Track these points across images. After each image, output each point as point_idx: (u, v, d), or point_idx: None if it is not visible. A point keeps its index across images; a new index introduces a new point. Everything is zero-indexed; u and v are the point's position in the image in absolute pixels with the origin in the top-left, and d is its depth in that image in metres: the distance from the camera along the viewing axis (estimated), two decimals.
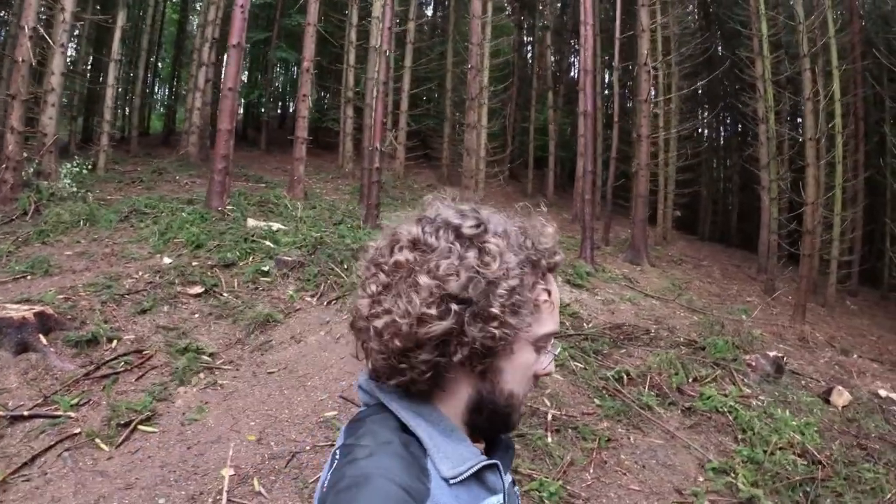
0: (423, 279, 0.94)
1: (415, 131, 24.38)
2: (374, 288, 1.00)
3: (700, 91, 26.95)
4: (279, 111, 33.52)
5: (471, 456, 0.99)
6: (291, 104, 32.07)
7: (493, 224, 1.01)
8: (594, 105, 14.47)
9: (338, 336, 7.09)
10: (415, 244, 0.98)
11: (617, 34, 17.84)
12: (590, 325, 8.72)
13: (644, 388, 6.70)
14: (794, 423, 6.41)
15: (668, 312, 10.83)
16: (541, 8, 27.97)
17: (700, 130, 29.56)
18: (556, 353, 1.12)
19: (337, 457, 0.95)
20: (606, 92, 26.03)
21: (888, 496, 5.45)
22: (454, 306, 0.94)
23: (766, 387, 7.66)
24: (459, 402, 1.04)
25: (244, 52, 14.75)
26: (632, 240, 15.38)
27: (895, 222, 17.08)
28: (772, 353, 8.41)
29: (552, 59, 29.22)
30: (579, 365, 7.00)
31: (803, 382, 8.37)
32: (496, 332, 0.95)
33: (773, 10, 16.90)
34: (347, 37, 21.21)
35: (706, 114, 29.05)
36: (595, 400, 6.26)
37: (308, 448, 4.81)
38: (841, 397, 7.72)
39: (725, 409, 6.43)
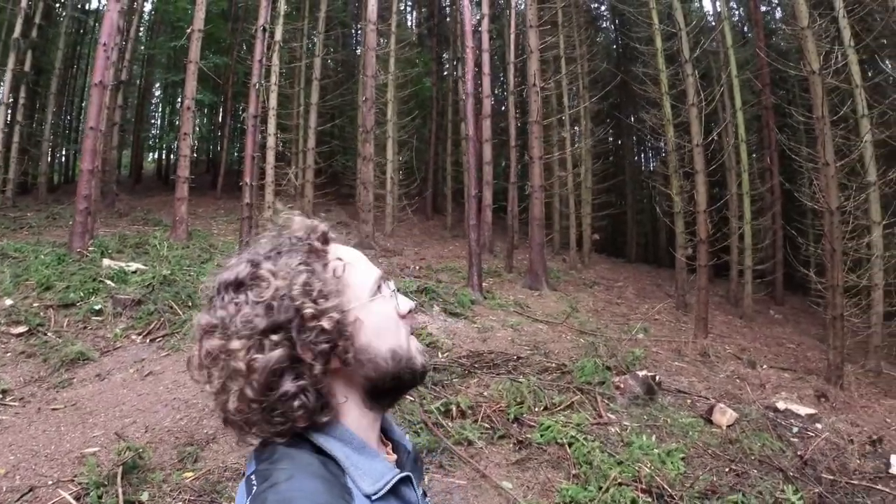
0: (235, 343, 0.95)
1: (325, 168, 23.83)
2: (212, 386, 1.00)
3: (616, 112, 27.10)
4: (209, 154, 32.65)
5: (386, 471, 1.00)
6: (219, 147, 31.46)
7: (262, 252, 1.03)
8: (477, 129, 14.03)
9: (147, 373, 6.89)
10: (211, 327, 0.99)
11: (512, 58, 17.56)
12: (444, 355, 7.97)
13: (475, 420, 5.94)
14: (656, 450, 5.72)
15: (552, 336, 10.24)
16: (452, 40, 27.83)
17: (618, 151, 29.66)
18: (393, 287, 1.12)
19: (254, 483, 0.93)
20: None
21: None
22: (273, 337, 0.95)
23: (635, 410, 7.02)
24: (357, 400, 1.04)
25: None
26: (530, 265, 14.85)
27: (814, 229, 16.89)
28: (641, 373, 7.80)
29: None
30: (409, 398, 6.22)
31: (689, 402, 7.77)
32: (325, 324, 0.96)
33: (669, 22, 16.88)
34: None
35: (610, 133, 29.10)
36: (407, 436, 5.49)
37: (50, 483, 4.60)
38: (724, 416, 7.03)
39: (565, 441, 5.70)
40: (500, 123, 24.27)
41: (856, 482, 5.57)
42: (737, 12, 26.60)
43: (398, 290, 1.14)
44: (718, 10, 20.31)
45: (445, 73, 30.42)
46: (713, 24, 21.31)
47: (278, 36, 18.09)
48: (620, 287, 18.11)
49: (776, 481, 5.39)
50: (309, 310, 0.95)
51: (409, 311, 1.11)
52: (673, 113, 15.62)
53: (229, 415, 0.99)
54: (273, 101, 18.27)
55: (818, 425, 7.10)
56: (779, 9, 26.02)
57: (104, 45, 11.57)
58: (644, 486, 5.07)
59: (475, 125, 13.65)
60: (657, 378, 7.85)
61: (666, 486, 5.05)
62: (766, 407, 7.69)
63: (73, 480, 4.61)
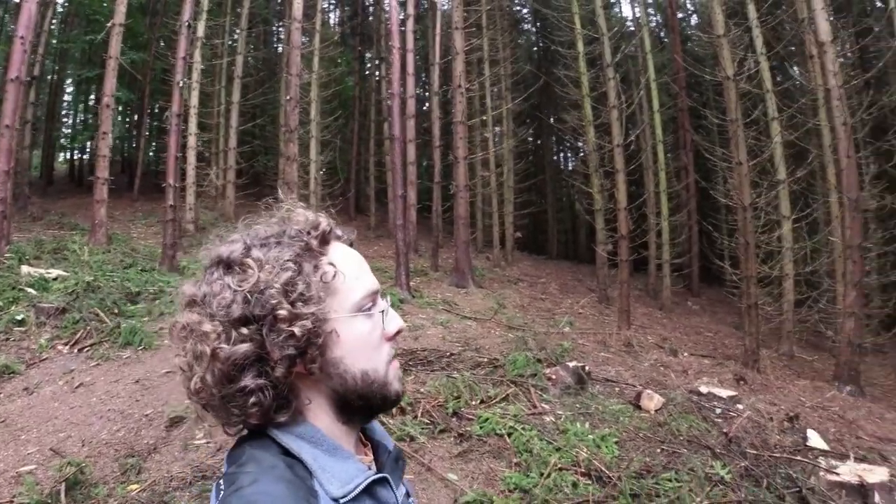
0: (206, 326, 0.94)
1: (247, 169, 23.28)
2: (181, 359, 0.99)
3: (537, 112, 27.56)
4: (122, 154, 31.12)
5: (357, 473, 0.98)
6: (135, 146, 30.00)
7: (259, 236, 1.01)
8: (402, 129, 14.09)
9: (77, 385, 6.60)
10: (193, 300, 0.98)
11: (437, 59, 17.67)
12: None
13: (415, 416, 6.02)
14: (590, 436, 5.97)
15: (481, 332, 10.42)
16: (376, 39, 27.73)
17: (539, 151, 30.22)
18: (387, 304, 1.08)
19: (221, 487, 0.92)
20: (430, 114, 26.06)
21: None
22: (243, 330, 0.93)
23: (567, 399, 7.25)
24: (324, 408, 1.02)
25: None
26: (455, 263, 15.02)
27: (728, 223, 17.71)
28: (572, 363, 8.05)
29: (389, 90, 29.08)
30: None
31: (617, 389, 8.07)
32: (296, 329, 0.93)
33: (591, 27, 17.35)
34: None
35: (535, 133, 29.71)
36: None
37: None
38: (651, 401, 7.38)
39: (504, 432, 5.85)
40: (423, 124, 24.40)
41: (777, 455, 5.97)
42: (654, 19, 27.54)
43: (388, 309, 1.08)
44: (637, 16, 21.02)
45: (367, 72, 30.31)
46: (632, 29, 22.11)
47: (200, 32, 17.63)
48: (544, 283, 18.51)
49: (705, 458, 5.71)
50: (283, 311, 0.93)
51: (397, 333, 1.08)
52: (593, 114, 16.10)
53: (190, 394, 0.99)
54: (194, 100, 17.77)
55: (739, 406, 7.52)
56: (694, 16, 27.25)
57: (21, 38, 10.96)
58: (583, 470, 5.27)
59: (401, 125, 13.69)
60: (587, 368, 8.13)
61: (604, 469, 5.27)
62: (689, 391, 8.08)
63: (11, 502, 4.44)
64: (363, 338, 1.01)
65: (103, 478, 4.77)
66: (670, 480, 5.22)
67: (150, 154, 26.42)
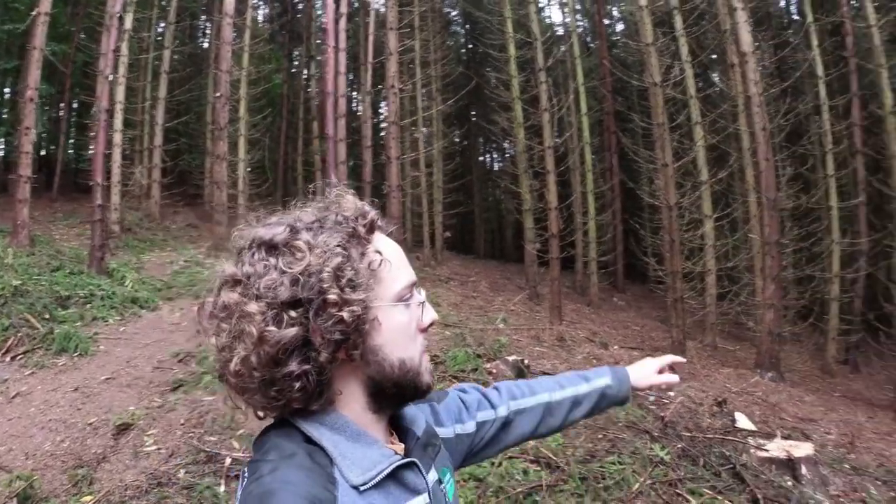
0: (251, 307, 0.94)
1: (172, 167, 22.56)
2: (219, 340, 0.99)
3: (468, 113, 27.83)
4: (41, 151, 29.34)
5: (381, 459, 0.99)
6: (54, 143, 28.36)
7: (304, 220, 1.01)
8: (335, 128, 14.03)
9: (13, 395, 6.31)
10: (235, 280, 0.98)
11: (370, 58, 17.64)
12: None
13: None
14: None
15: None
16: (305, 37, 27.34)
17: (467, 152, 30.51)
18: (423, 298, 1.10)
19: (245, 475, 0.94)
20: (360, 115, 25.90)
21: (634, 487, 5.27)
22: (291, 313, 0.93)
23: None
24: (357, 395, 1.03)
25: None
26: None
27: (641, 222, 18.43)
28: (512, 357, 8.26)
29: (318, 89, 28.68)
30: None
31: None
32: (344, 314, 0.94)
33: (523, 31, 17.67)
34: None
35: (464, 134, 29.96)
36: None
37: None
38: None
39: None
40: (352, 123, 24.26)
41: (710, 436, 6.42)
42: (581, 24, 28.24)
43: (425, 301, 1.11)
44: (566, 21, 21.51)
45: (295, 70, 29.89)
46: (560, 34, 22.67)
47: (128, 24, 17.01)
48: (474, 282, 18.69)
49: (644, 441, 6.07)
50: (333, 296, 0.94)
51: (430, 325, 1.11)
52: (523, 116, 16.44)
53: (228, 374, 0.99)
54: (120, 95, 17.14)
55: (671, 393, 7.94)
56: (620, 23, 28.08)
57: None
58: (532, 458, 5.52)
59: (335, 124, 13.64)
60: (526, 362, 8.37)
61: (552, 456, 5.52)
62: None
63: None
64: (402, 327, 1.04)
65: (53, 491, 4.64)
66: (614, 463, 5.51)
67: (71, 151, 25.19)
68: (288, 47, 28.89)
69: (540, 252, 16.80)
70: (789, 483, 5.44)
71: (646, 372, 1.72)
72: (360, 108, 23.29)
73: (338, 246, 0.98)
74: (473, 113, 29.43)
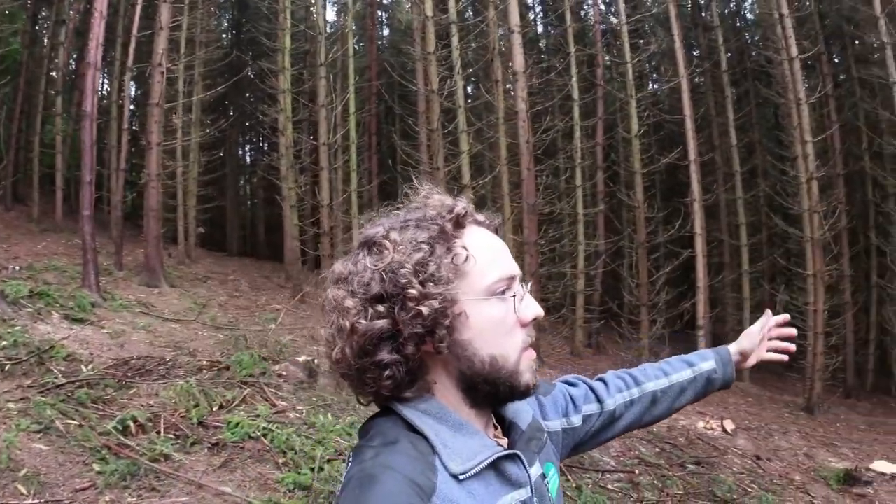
0: (348, 302, 0.99)
1: None
2: (327, 331, 1.05)
3: (226, 102, 26.43)
4: None
5: (482, 449, 1.00)
6: None
7: (400, 220, 1.05)
8: (93, 106, 12.40)
9: None
10: (339, 278, 1.04)
11: (134, 31, 15.81)
12: (89, 368, 7.01)
13: (158, 432, 5.44)
14: (337, 426, 6.09)
15: (189, 335, 9.78)
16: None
17: (224, 143, 29.04)
18: (525, 292, 1.07)
19: (350, 459, 0.99)
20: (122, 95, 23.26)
21: None
22: (378, 307, 0.97)
23: (303, 394, 7.30)
24: (452, 388, 1.04)
25: None
26: (146, 260, 13.73)
27: None
28: (301, 358, 8.08)
29: (68, 60, 24.88)
30: (73, 422, 5.38)
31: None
32: (424, 308, 0.96)
33: (302, 23, 17.16)
34: None
35: (226, 124, 28.67)
36: (94, 466, 4.76)
37: None
38: None
39: (259, 434, 5.62)
40: (102, 101, 21.54)
41: None
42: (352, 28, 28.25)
43: (526, 295, 1.09)
44: (342, 20, 21.35)
45: (38, 35, 25.65)
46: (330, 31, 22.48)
47: None
48: (233, 280, 17.87)
49: None
50: (413, 291, 0.96)
51: (533, 320, 1.07)
52: (293, 111, 16.04)
53: (331, 363, 1.05)
54: None
55: None
56: (387, 28, 28.68)
57: None
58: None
59: (93, 101, 12.03)
60: (316, 362, 8.20)
61: None
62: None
63: None
64: (494, 322, 1.02)
65: None
66: None
67: None
68: (33, 8, 24.71)
69: (307, 250, 16.56)
70: None
71: (750, 344, 1.59)
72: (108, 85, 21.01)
73: (422, 242, 1.00)
74: (234, 102, 27.95)
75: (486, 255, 1.04)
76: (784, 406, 13.60)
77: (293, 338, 11.04)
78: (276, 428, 5.74)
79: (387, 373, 0.99)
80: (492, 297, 1.02)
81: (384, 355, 0.98)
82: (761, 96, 21.05)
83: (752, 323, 1.64)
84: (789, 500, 6.83)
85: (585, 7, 22.66)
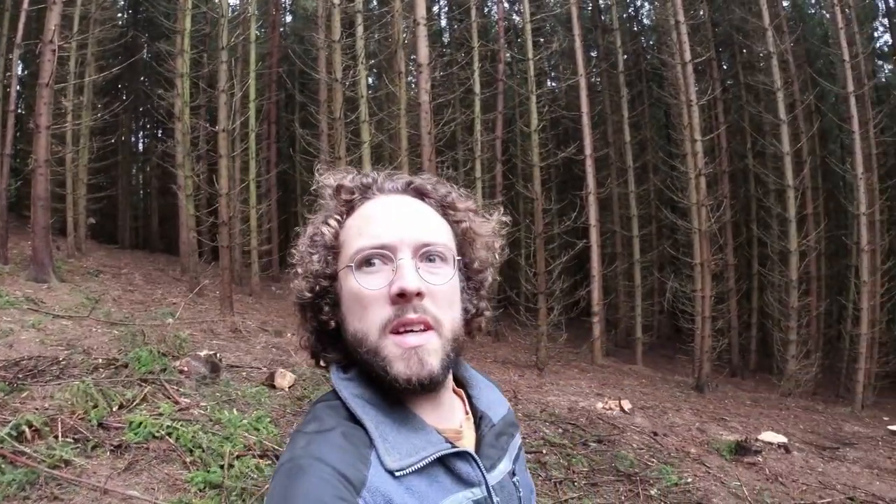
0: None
1: None
2: None
3: (119, 85, 25.16)
4: None
5: (425, 446, 0.95)
6: None
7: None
8: None
9: None
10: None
11: (25, 4, 14.65)
12: None
13: (56, 437, 5.21)
14: (244, 421, 6.03)
15: (82, 332, 9.33)
16: None
17: (117, 129, 27.59)
18: (400, 262, 0.97)
19: (287, 443, 0.97)
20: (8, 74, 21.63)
21: None
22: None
23: (206, 390, 7.16)
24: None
25: None
26: (34, 253, 12.92)
27: (303, 213, 18.81)
28: (203, 353, 7.92)
29: None
30: None
31: (244, 374, 8.24)
32: (303, 282, 1.04)
33: (204, 4, 16.53)
34: None
35: (120, 108, 27.23)
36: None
37: None
38: (285, 379, 7.83)
39: (163, 433, 5.48)
40: None
41: None
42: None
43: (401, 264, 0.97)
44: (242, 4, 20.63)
45: None
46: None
47: None
48: (127, 274, 17.12)
49: None
50: (299, 268, 1.06)
51: (399, 295, 0.94)
52: (191, 96, 15.48)
53: None
54: None
55: None
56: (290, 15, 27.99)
57: None
58: (259, 452, 5.38)
59: None
60: (218, 356, 8.07)
61: (276, 447, 5.46)
62: (310, 366, 8.58)
63: None
64: (351, 293, 0.99)
65: None
66: None
67: None
68: None
69: (204, 241, 16.09)
70: None
71: None
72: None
73: (312, 223, 1.08)
74: (122, 85, 26.51)
75: (355, 226, 1.03)
76: (676, 386, 14.44)
77: (192, 332, 10.74)
78: (181, 426, 5.61)
79: (305, 335, 1.08)
80: (350, 268, 0.99)
81: (303, 319, 1.08)
82: (654, 97, 22.44)
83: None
84: (687, 471, 7.27)
85: (489, 4, 23.09)
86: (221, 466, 4.99)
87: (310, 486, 0.82)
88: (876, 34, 23.97)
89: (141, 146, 31.39)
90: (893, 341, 18.25)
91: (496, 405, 1.17)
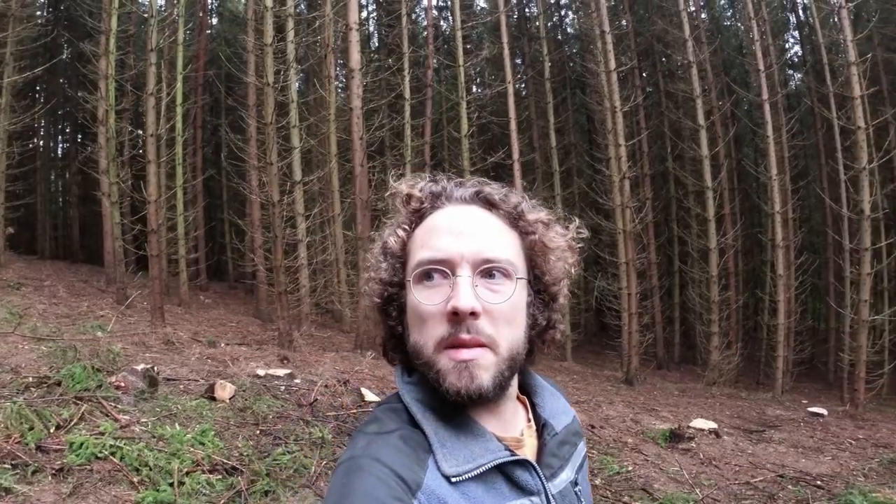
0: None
1: None
2: None
3: (38, 87, 24.15)
4: None
5: (483, 453, 0.95)
6: None
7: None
8: None
9: None
10: None
11: None
12: None
13: None
14: (189, 436, 5.91)
15: (8, 349, 8.96)
16: None
17: (35, 133, 26.42)
18: (457, 279, 0.96)
19: (348, 443, 0.98)
20: None
21: (313, 470, 5.49)
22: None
23: (145, 405, 6.97)
24: None
25: None
26: None
27: (233, 220, 18.58)
28: (140, 367, 7.77)
29: None
30: None
31: (182, 387, 8.03)
32: (374, 285, 1.08)
33: (130, 4, 16.06)
34: None
35: (40, 112, 26.10)
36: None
37: None
38: (225, 390, 7.64)
39: (107, 452, 5.37)
40: None
41: (353, 410, 7.25)
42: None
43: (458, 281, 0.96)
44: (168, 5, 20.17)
45: None
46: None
47: None
48: (49, 286, 16.51)
49: (302, 427, 6.38)
50: (371, 273, 1.09)
51: (452, 313, 0.94)
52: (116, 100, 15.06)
53: None
54: None
55: (297, 380, 8.43)
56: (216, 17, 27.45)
57: None
58: (208, 467, 5.32)
59: None
60: (156, 369, 7.94)
61: (225, 461, 5.42)
62: (249, 376, 8.57)
63: None
64: (412, 307, 1.00)
65: None
66: (285, 454, 5.69)
67: None
68: None
69: (130, 249, 15.70)
70: None
71: None
72: None
73: (389, 228, 1.09)
74: (40, 87, 25.42)
75: (420, 237, 1.04)
76: (606, 380, 14.98)
77: (124, 346, 10.45)
78: (125, 444, 5.49)
79: (382, 334, 1.10)
80: (412, 280, 1.00)
81: (379, 319, 1.09)
82: (578, 103, 23.15)
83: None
84: (626, 460, 7.64)
85: (418, 10, 23.32)
86: (171, 484, 4.92)
87: (367, 484, 0.84)
88: (787, 46, 25.57)
89: (60, 151, 30.09)
90: (808, 330, 19.56)
91: (560, 413, 1.17)
